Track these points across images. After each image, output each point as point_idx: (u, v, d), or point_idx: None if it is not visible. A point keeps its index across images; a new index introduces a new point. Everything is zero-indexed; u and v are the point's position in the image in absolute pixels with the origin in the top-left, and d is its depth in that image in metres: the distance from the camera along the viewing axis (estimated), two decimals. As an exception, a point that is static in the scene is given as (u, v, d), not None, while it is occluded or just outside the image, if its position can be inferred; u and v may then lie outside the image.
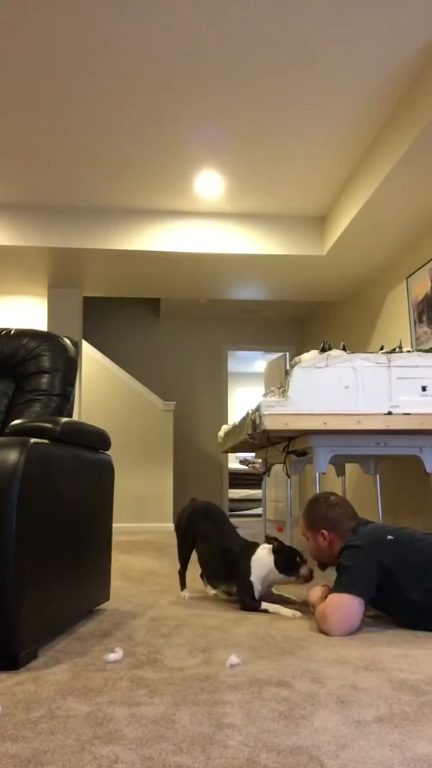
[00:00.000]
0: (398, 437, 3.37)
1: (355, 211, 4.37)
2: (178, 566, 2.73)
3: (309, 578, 2.39)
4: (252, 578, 2.37)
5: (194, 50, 3.17)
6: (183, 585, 2.69)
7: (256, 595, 2.38)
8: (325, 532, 2.26)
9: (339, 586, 2.02)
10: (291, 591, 2.63)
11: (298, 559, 2.39)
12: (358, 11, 2.89)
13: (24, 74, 3.37)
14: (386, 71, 3.33)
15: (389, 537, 2.11)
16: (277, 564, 2.37)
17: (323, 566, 2.36)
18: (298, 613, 2.25)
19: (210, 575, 2.65)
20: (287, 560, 2.38)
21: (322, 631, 1.98)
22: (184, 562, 2.70)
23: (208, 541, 2.60)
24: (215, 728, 1.21)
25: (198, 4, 2.86)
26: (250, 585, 2.37)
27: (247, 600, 2.37)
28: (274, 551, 2.39)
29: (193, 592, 2.70)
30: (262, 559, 2.40)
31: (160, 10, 2.90)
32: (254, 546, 2.46)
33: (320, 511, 2.32)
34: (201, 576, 2.77)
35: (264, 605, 2.34)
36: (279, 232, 5.16)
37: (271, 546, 2.42)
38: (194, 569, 2.71)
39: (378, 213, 4.33)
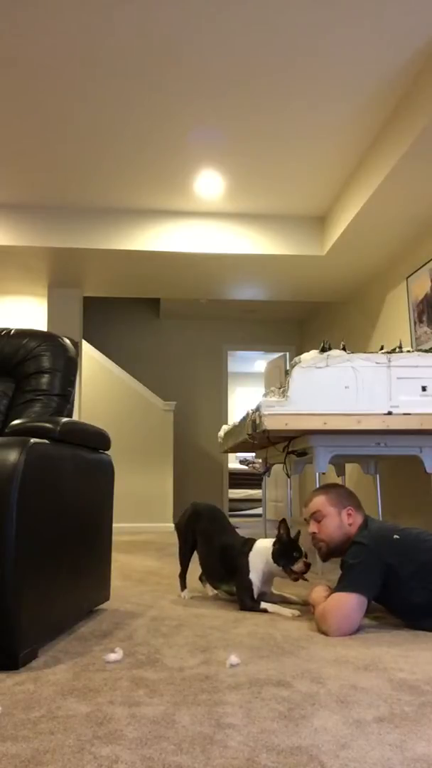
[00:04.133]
0: (398, 437, 3.37)
1: (355, 211, 4.37)
2: (178, 567, 2.72)
3: (302, 574, 2.35)
4: (251, 575, 2.38)
5: (194, 50, 3.17)
6: (183, 586, 2.69)
7: (257, 591, 2.38)
8: (351, 509, 2.25)
9: (342, 586, 2.02)
10: (292, 591, 2.63)
11: (295, 554, 2.36)
12: (357, 11, 2.89)
13: (24, 74, 3.37)
14: (386, 71, 3.33)
15: (395, 536, 2.10)
16: (274, 555, 2.37)
17: (326, 556, 2.28)
18: (297, 613, 2.25)
19: (211, 576, 2.64)
20: (284, 552, 2.36)
21: (322, 631, 1.98)
22: (184, 564, 2.70)
23: (209, 543, 2.60)
24: (215, 728, 1.21)
25: (198, 3, 2.86)
26: (250, 584, 2.37)
27: (246, 600, 2.37)
28: (275, 543, 2.39)
29: (193, 592, 2.70)
30: (261, 552, 2.40)
31: (161, 10, 2.90)
32: (251, 542, 2.46)
33: (345, 491, 2.34)
34: (200, 578, 2.77)
35: (263, 605, 2.34)
36: (279, 232, 5.16)
37: (273, 539, 2.41)
38: (194, 570, 2.70)
39: (378, 213, 4.33)
